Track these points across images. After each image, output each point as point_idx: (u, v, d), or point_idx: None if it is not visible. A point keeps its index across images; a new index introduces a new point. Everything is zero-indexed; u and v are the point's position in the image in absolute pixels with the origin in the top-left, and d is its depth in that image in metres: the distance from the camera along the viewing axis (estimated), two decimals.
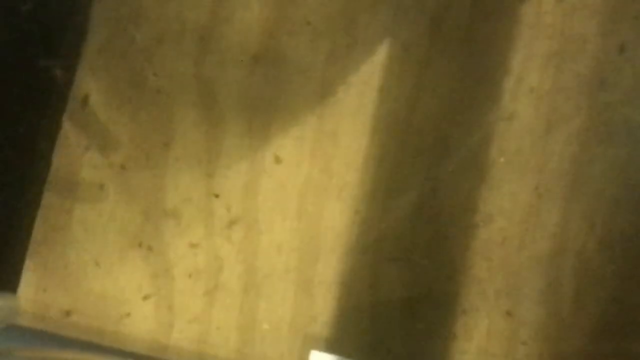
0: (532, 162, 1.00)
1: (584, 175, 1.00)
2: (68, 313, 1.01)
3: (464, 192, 1.00)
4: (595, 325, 0.97)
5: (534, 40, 1.01)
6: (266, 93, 1.02)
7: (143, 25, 1.01)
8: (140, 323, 1.00)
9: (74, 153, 1.01)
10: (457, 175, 1.00)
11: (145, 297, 1.00)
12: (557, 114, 1.00)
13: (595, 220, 0.99)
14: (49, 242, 1.00)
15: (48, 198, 1.01)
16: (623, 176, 0.98)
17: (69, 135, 1.01)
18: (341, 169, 1.01)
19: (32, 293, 1.01)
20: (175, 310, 1.00)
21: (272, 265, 1.01)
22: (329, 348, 0.99)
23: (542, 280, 0.98)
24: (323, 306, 1.00)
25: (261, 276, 1.01)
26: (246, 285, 1.01)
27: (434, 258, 1.00)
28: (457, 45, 1.01)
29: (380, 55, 1.02)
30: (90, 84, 1.00)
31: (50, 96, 1.00)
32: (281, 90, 1.02)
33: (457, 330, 0.99)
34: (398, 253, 1.00)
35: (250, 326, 1.00)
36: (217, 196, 1.00)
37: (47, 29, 1.00)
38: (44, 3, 0.99)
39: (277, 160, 1.01)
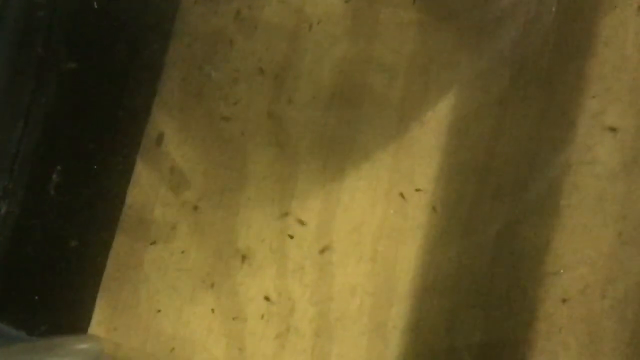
0: (614, 208, 0.99)
1: None
2: (138, 353, 1.01)
3: (544, 238, 0.99)
4: None
5: (617, 82, 1.00)
6: (341, 133, 1.02)
7: (218, 64, 1.02)
8: None
9: (146, 192, 1.02)
10: (537, 220, 1.00)
11: (216, 339, 1.00)
12: None
13: None
14: (121, 281, 1.02)
15: (120, 237, 1.02)
16: None
17: (142, 173, 1.02)
18: (417, 211, 1.01)
19: (102, 332, 1.02)
20: (247, 353, 1.00)
21: (345, 309, 1.00)
22: None
23: (626, 331, 0.97)
24: (397, 351, 1.00)
25: (334, 319, 1.01)
26: (318, 328, 1.00)
27: (512, 304, 0.99)
28: (537, 87, 1.01)
29: (458, 96, 1.02)
30: (165, 123, 1.02)
31: (125, 134, 1.01)
32: (356, 130, 1.02)
33: None
34: (475, 298, 0.99)
35: None
36: (291, 237, 1.00)
37: (123, 67, 1.01)
38: (120, 42, 1.01)
39: (352, 201, 1.01)
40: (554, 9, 0.97)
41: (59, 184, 1.02)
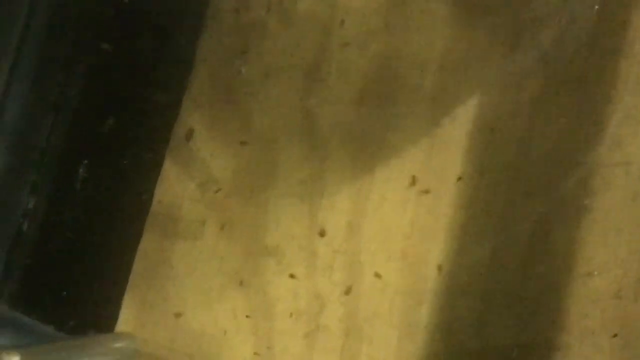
0: None
1: None
2: (165, 349, 1.01)
3: (577, 238, 0.98)
4: None
5: None
6: (372, 129, 1.01)
7: (249, 59, 1.01)
8: None
9: (175, 188, 1.02)
10: (569, 220, 0.98)
11: (244, 337, 1.00)
12: None
13: None
14: (149, 277, 1.01)
15: (148, 233, 1.01)
16: None
17: (171, 169, 1.01)
18: (448, 209, 1.00)
19: (130, 328, 1.02)
20: (275, 351, 1.00)
21: (375, 308, 1.00)
22: None
23: None
24: (428, 352, 0.99)
25: (363, 319, 1.00)
26: (348, 327, 1.00)
27: (544, 306, 0.98)
28: (572, 86, 1.00)
29: (491, 94, 1.00)
30: (195, 118, 1.01)
31: (154, 130, 1.01)
32: (387, 127, 1.01)
33: None
34: (507, 299, 0.98)
35: None
36: (321, 235, 0.99)
37: (153, 62, 1.00)
38: (150, 37, 1.00)
39: (382, 198, 1.00)
40: (596, 7, 0.95)
41: (86, 179, 1.02)
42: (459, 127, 1.01)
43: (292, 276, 1.01)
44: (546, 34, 0.99)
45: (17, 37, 0.93)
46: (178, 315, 1.02)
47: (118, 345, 0.81)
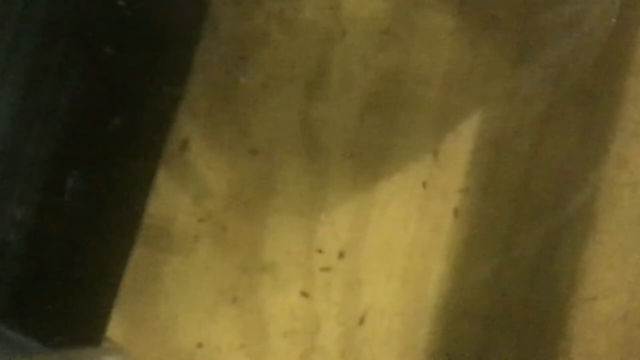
0: None
1: None
2: None
3: (584, 260, 0.96)
4: None
5: None
6: (374, 143, 0.99)
7: (248, 69, 0.98)
8: None
9: (168, 201, 0.98)
10: (575, 242, 0.96)
11: (237, 357, 0.96)
12: None
13: None
14: (139, 292, 0.97)
15: (140, 247, 0.98)
16: None
17: (165, 181, 0.98)
18: (452, 229, 0.97)
19: (118, 345, 0.97)
20: None
21: (373, 329, 0.97)
22: None
23: None
24: None
25: (361, 340, 0.97)
26: (344, 349, 0.97)
27: (548, 330, 0.95)
28: (579, 103, 0.98)
29: (497, 110, 0.98)
30: (190, 129, 0.98)
31: (148, 139, 0.97)
32: (389, 142, 0.99)
33: None
34: (510, 321, 0.96)
35: None
36: (319, 252, 0.96)
37: (147, 70, 0.97)
38: (146, 43, 0.97)
39: (383, 215, 0.97)
40: (613, 20, 0.93)
41: (76, 190, 0.98)
42: (463, 142, 0.99)
43: (288, 294, 0.97)
44: (555, 49, 0.97)
45: (8, 42, 0.90)
46: (169, 332, 0.98)
47: (109, 358, 0.77)
